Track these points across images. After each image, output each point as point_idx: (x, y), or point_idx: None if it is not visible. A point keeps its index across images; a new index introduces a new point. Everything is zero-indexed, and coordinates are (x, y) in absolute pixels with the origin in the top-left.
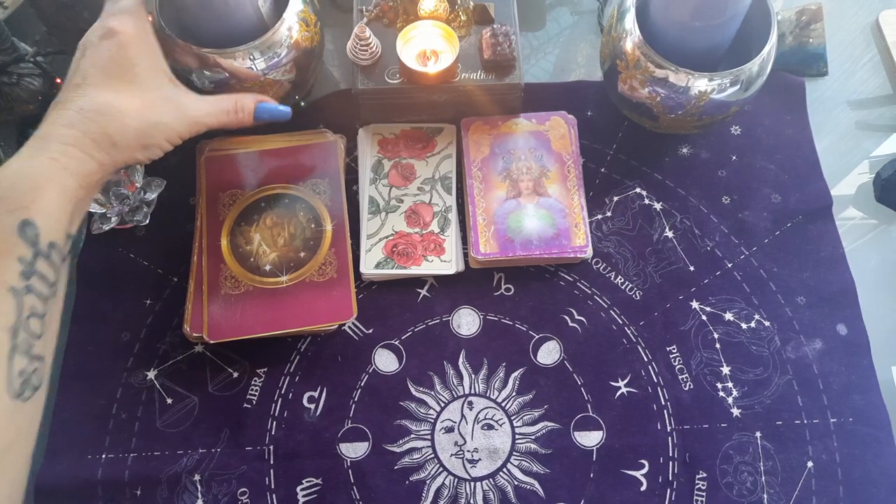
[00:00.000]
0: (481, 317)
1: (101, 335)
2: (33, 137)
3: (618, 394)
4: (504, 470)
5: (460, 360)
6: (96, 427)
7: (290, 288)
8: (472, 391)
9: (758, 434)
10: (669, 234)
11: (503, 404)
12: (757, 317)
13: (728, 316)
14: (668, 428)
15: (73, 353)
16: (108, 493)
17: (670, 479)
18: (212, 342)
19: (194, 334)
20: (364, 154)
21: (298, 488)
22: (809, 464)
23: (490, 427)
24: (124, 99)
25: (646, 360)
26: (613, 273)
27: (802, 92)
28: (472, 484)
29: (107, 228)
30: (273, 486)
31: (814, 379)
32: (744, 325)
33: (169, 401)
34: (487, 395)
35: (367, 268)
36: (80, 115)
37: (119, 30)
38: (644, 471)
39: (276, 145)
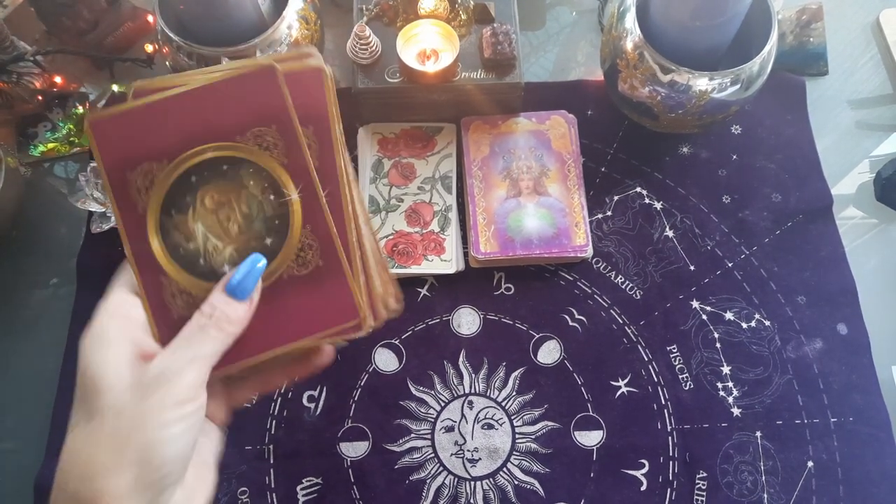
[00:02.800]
0: (481, 316)
1: None
2: None
3: (618, 393)
4: (504, 469)
5: (460, 359)
6: None
7: (266, 292)
8: (473, 391)
9: (758, 434)
10: (670, 233)
11: (503, 404)
12: (757, 316)
13: (728, 315)
14: (669, 427)
15: (72, 354)
16: None
17: (670, 478)
18: None
19: None
20: (364, 153)
21: (298, 487)
22: (810, 463)
23: (490, 426)
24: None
25: (646, 359)
26: (614, 272)
27: (803, 91)
28: (473, 483)
29: (106, 227)
30: (273, 486)
31: (814, 378)
32: (744, 325)
33: None
34: (487, 394)
35: None
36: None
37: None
38: (644, 470)
39: (187, 85)
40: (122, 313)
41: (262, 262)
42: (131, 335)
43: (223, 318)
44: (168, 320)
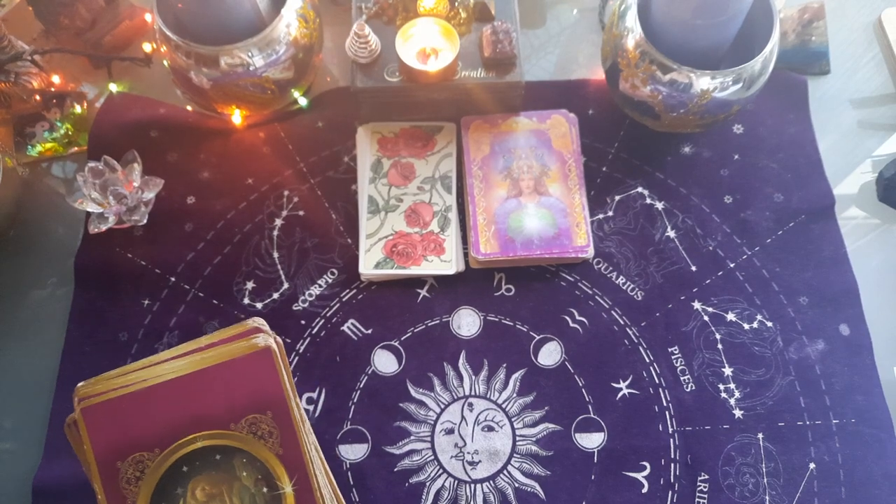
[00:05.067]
0: (481, 317)
1: (98, 335)
2: None
3: (619, 395)
4: (504, 472)
5: (460, 361)
6: None
7: None
8: (473, 392)
9: (760, 435)
10: (671, 233)
11: (504, 406)
12: (759, 317)
13: (730, 316)
14: (670, 429)
15: (70, 354)
16: None
17: (672, 480)
18: None
19: None
20: (363, 153)
21: None
22: (812, 465)
23: (490, 429)
24: None
25: (647, 361)
26: (615, 273)
27: (805, 90)
28: (473, 486)
29: (104, 228)
30: None
31: (816, 380)
32: (746, 326)
33: None
34: (488, 396)
35: (367, 268)
36: None
37: None
38: (645, 472)
39: (178, 370)
40: None
41: None
42: None
43: None
44: None
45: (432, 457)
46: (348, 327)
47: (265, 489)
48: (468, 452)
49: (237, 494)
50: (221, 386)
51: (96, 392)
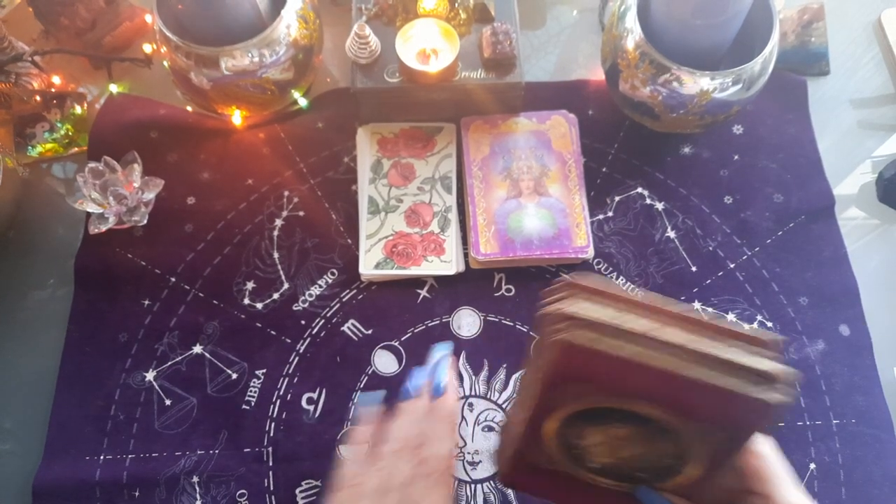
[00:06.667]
0: (482, 318)
1: (98, 336)
2: None
3: None
4: None
5: (461, 361)
6: (94, 428)
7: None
8: (473, 393)
9: None
10: (671, 234)
11: (504, 406)
12: (759, 318)
13: (730, 317)
14: None
15: (70, 354)
16: (106, 495)
17: None
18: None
19: None
20: (363, 153)
21: (297, 490)
22: (812, 465)
23: (491, 429)
24: None
25: None
26: (615, 273)
27: (804, 91)
28: (473, 486)
29: (104, 229)
30: (272, 488)
31: (816, 380)
32: (746, 326)
33: (167, 402)
34: (488, 396)
35: (367, 268)
36: None
37: None
38: None
39: (680, 366)
40: None
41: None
42: None
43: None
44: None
45: None
46: (348, 327)
47: (666, 462)
48: (469, 452)
49: (645, 449)
50: (708, 400)
51: (592, 336)
